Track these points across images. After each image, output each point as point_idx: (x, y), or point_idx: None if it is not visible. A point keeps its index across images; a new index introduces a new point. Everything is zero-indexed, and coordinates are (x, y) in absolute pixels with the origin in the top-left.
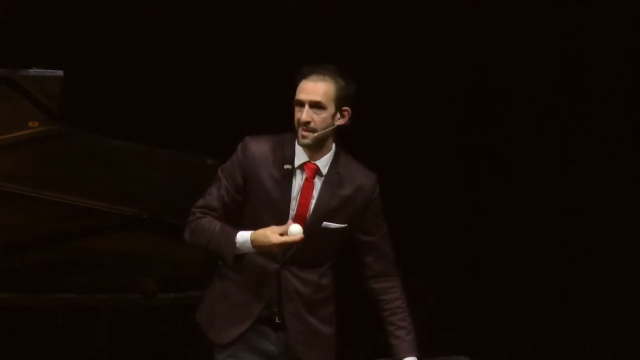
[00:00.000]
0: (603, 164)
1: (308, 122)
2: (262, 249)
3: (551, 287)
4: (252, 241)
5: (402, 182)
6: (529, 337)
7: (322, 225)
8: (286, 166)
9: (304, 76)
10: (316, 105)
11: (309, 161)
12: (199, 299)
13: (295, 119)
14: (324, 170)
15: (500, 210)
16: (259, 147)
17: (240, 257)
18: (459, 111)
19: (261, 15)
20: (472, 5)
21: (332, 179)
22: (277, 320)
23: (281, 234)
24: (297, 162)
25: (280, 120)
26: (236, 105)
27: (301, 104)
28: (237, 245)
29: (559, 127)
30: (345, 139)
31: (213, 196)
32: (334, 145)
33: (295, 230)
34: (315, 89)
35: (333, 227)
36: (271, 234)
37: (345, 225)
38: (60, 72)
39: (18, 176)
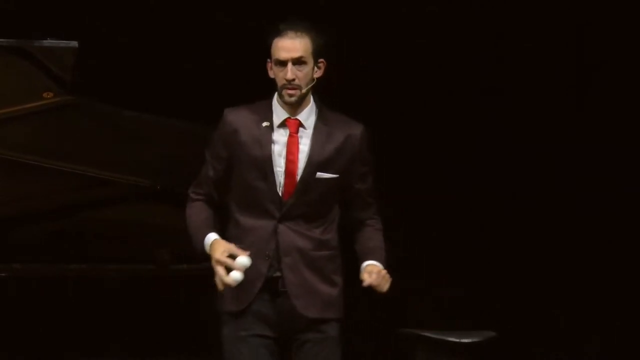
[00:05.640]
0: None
1: (294, 79)
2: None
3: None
4: (210, 247)
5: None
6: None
7: (317, 176)
8: (264, 124)
9: (279, 34)
10: (298, 62)
11: (289, 117)
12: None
13: (279, 79)
14: (307, 124)
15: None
16: (236, 114)
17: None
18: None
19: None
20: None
21: (322, 130)
22: (275, 274)
23: (229, 256)
24: (277, 121)
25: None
26: (247, 77)
27: (283, 62)
28: (205, 246)
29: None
30: None
31: (202, 178)
32: (312, 98)
33: (241, 261)
34: (295, 45)
35: (326, 177)
36: (219, 250)
37: (338, 175)
38: (74, 43)
39: (32, 147)
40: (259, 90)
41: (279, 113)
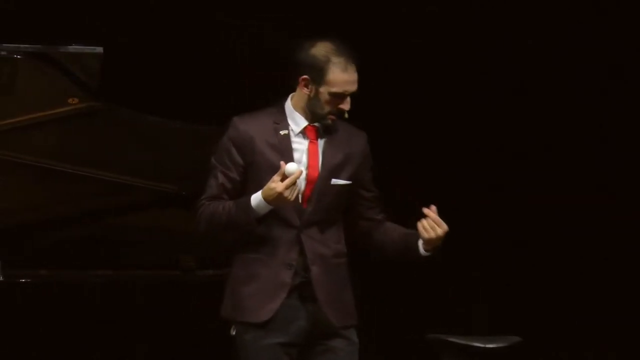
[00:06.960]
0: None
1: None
2: (275, 202)
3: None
4: (265, 198)
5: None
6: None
7: (332, 182)
8: (282, 132)
9: (342, 66)
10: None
11: (308, 124)
12: None
13: (331, 106)
14: (322, 131)
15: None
16: (248, 122)
17: (260, 221)
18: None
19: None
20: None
21: (331, 138)
22: (301, 281)
23: (282, 180)
24: (297, 128)
25: None
26: (247, 77)
27: (345, 95)
28: (255, 208)
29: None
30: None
31: (213, 187)
32: None
33: (291, 168)
34: (356, 79)
35: (341, 183)
36: (274, 184)
37: (351, 181)
38: (99, 49)
39: (57, 153)
40: (259, 90)
41: (298, 120)
